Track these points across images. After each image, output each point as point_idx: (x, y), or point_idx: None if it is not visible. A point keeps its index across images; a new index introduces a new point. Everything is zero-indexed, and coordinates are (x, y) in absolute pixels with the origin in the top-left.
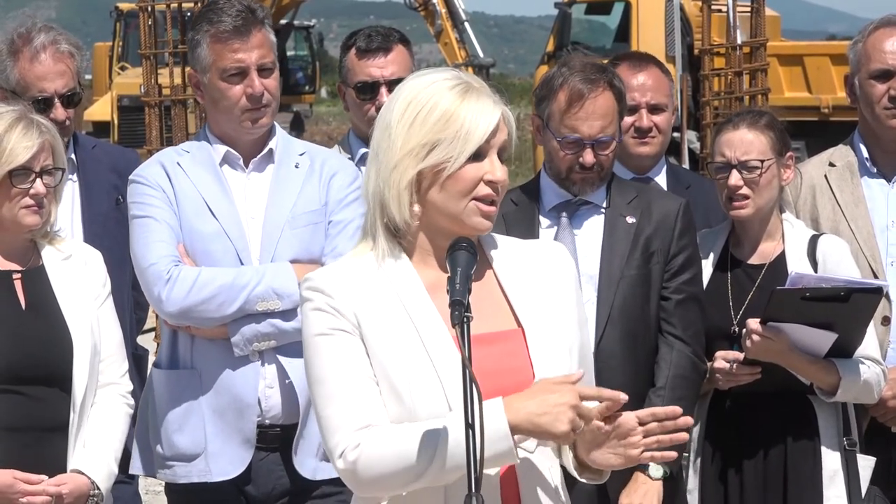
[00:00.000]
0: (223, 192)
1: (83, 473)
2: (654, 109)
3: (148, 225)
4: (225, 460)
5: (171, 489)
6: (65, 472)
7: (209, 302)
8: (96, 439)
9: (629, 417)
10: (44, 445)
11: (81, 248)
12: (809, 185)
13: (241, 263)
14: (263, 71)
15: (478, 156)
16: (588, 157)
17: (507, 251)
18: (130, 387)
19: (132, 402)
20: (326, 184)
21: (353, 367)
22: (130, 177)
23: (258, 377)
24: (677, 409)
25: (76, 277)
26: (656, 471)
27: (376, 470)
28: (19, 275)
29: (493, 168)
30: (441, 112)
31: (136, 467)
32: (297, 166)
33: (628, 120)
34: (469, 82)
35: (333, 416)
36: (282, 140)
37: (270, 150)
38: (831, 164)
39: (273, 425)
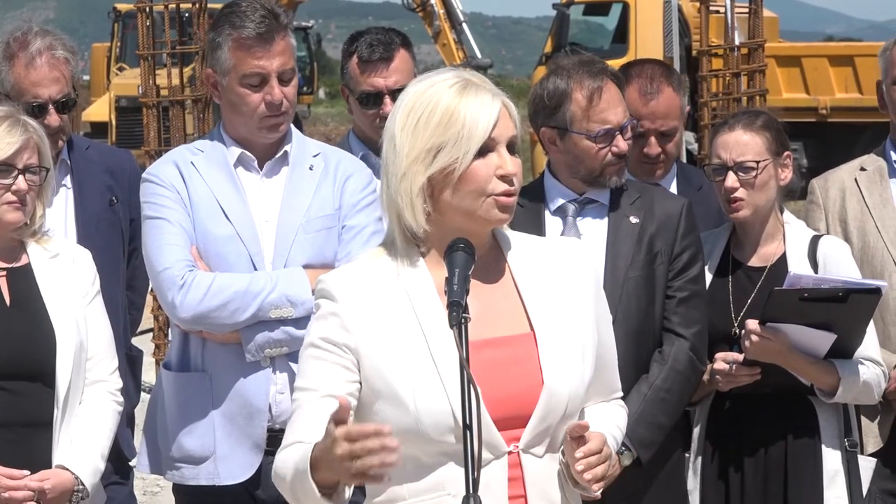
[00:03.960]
0: (237, 195)
1: (67, 469)
2: (663, 136)
3: (161, 227)
4: (234, 464)
5: (179, 490)
6: (49, 468)
7: (223, 308)
8: (83, 436)
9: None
10: (27, 441)
11: (70, 248)
12: (840, 188)
13: (255, 267)
14: (283, 78)
15: (485, 151)
16: (622, 144)
17: (525, 250)
18: (120, 384)
19: (121, 399)
20: (341, 187)
21: (323, 386)
22: (143, 175)
23: (269, 383)
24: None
25: (63, 276)
26: (627, 458)
27: (279, 483)
28: (4, 272)
29: (504, 161)
30: (441, 113)
31: (143, 465)
32: (311, 168)
33: (637, 145)
34: (468, 78)
35: (290, 429)
36: (297, 142)
37: (285, 152)
38: (862, 169)
39: (283, 430)
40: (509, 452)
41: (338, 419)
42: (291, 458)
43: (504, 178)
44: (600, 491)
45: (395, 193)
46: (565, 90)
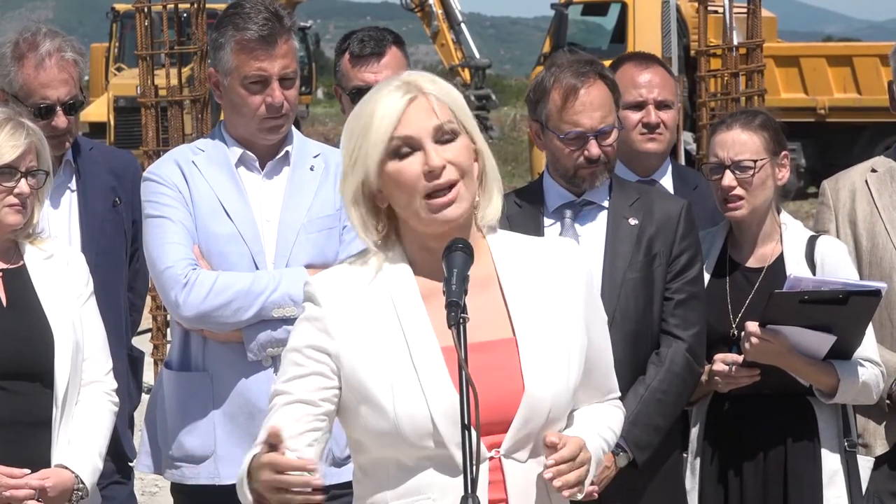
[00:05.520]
0: (239, 194)
1: (67, 468)
2: (660, 106)
3: (163, 226)
4: (234, 464)
5: (178, 489)
6: (48, 467)
7: (226, 307)
8: (81, 435)
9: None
10: (27, 441)
11: (63, 249)
12: (850, 189)
13: (256, 267)
14: (285, 80)
15: (405, 152)
16: (593, 149)
17: (515, 253)
18: (115, 385)
19: (117, 399)
20: None
21: (296, 391)
22: (144, 174)
23: (270, 382)
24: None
25: (58, 276)
26: (623, 460)
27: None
28: (0, 273)
29: (428, 156)
30: (361, 128)
31: (143, 465)
32: (312, 169)
33: (635, 117)
34: (399, 83)
35: (261, 431)
36: (298, 143)
37: (286, 152)
38: (873, 171)
39: None
40: (490, 458)
41: (272, 443)
42: (245, 461)
43: (430, 175)
44: (595, 492)
45: (344, 206)
46: (546, 86)
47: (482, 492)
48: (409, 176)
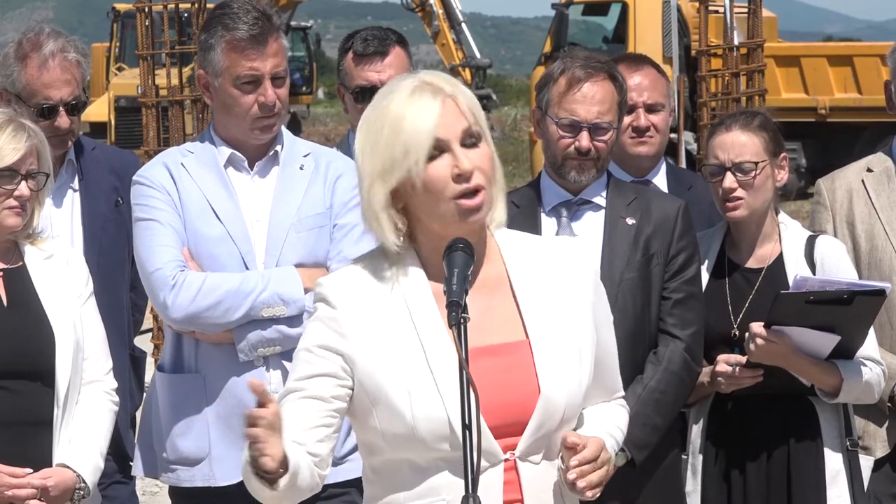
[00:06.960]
0: (228, 195)
1: (69, 467)
2: (651, 109)
3: (152, 228)
4: (229, 465)
5: (176, 492)
6: (50, 466)
7: (215, 308)
8: (82, 435)
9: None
10: (28, 440)
11: (63, 248)
12: (847, 189)
13: (246, 267)
14: (276, 79)
15: (437, 154)
16: (584, 141)
17: (523, 252)
18: (115, 384)
19: (117, 399)
20: (332, 186)
21: (309, 387)
22: (134, 177)
23: (263, 382)
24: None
25: (58, 276)
26: (621, 459)
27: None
28: (0, 273)
29: (458, 160)
30: (388, 128)
31: (138, 469)
32: (301, 168)
33: (626, 120)
34: (419, 83)
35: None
36: (287, 142)
37: (276, 152)
38: (869, 170)
39: None
40: (506, 460)
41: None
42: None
43: (460, 178)
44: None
45: (364, 211)
46: (554, 73)
47: (497, 493)
48: (439, 178)
